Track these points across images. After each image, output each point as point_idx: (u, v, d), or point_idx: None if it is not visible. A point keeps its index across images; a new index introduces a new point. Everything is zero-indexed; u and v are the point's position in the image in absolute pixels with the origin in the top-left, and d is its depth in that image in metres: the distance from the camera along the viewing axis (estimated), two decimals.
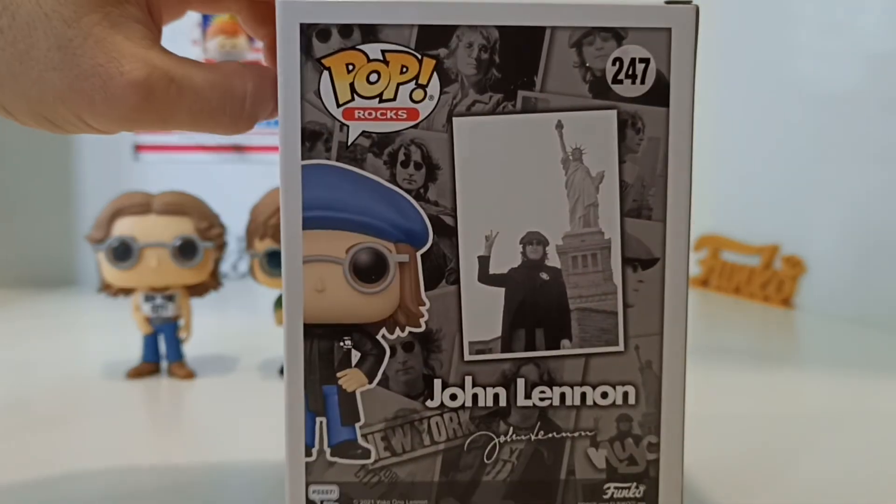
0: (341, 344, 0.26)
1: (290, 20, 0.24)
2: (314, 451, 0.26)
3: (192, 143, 0.97)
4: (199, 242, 0.51)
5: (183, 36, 0.97)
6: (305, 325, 0.25)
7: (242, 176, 0.97)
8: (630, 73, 0.25)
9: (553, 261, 0.25)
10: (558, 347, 0.26)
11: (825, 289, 0.81)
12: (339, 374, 0.26)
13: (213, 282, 0.54)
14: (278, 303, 0.53)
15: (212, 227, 0.52)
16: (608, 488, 0.27)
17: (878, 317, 0.74)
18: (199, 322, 0.56)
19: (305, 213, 0.25)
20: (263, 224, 0.51)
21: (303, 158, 0.25)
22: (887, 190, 0.75)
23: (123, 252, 0.50)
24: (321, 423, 0.26)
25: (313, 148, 0.25)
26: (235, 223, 0.57)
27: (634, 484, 0.27)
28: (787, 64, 0.85)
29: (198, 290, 0.54)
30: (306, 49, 0.24)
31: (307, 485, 0.26)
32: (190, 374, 0.52)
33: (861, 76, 0.77)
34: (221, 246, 0.53)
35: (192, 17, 0.96)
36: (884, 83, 0.75)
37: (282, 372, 0.53)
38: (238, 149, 0.96)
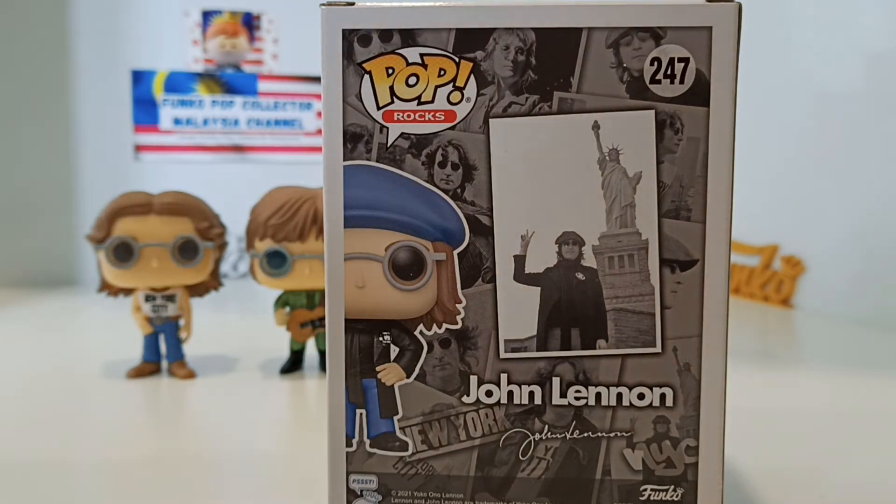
0: (380, 339, 0.26)
1: (333, 26, 0.25)
2: (354, 441, 0.27)
3: (192, 143, 0.98)
4: (200, 242, 0.51)
5: (183, 36, 0.99)
6: (346, 320, 0.26)
7: (242, 176, 0.97)
8: (669, 72, 0.25)
9: (589, 261, 0.26)
10: (594, 347, 0.26)
11: (825, 289, 0.81)
12: (378, 368, 0.26)
13: (214, 282, 0.54)
14: (278, 303, 0.54)
15: (212, 227, 0.52)
16: (645, 490, 0.26)
17: (878, 317, 0.73)
18: (199, 322, 0.57)
19: (347, 212, 0.26)
20: (263, 224, 0.51)
21: (344, 159, 0.26)
22: (887, 190, 0.73)
23: (124, 252, 0.50)
24: (361, 414, 0.27)
25: (354, 149, 0.26)
26: (235, 223, 0.58)
27: (672, 487, 0.26)
28: (786, 63, 0.84)
29: (198, 290, 0.54)
30: (348, 54, 0.25)
31: (347, 474, 0.27)
32: (190, 374, 0.53)
33: (861, 76, 0.76)
34: (222, 246, 0.53)
35: (193, 17, 0.98)
36: (884, 83, 0.73)
37: (282, 372, 0.54)
38: (238, 149, 0.97)
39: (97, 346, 0.65)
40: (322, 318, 0.53)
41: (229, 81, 0.99)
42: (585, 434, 0.26)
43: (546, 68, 0.25)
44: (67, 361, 0.59)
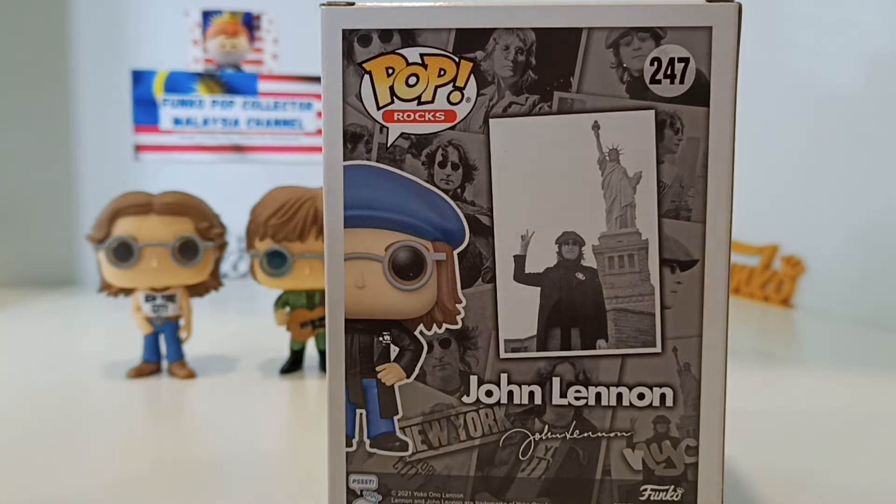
0: (380, 339, 0.26)
1: (333, 26, 0.25)
2: (354, 441, 0.27)
3: (192, 143, 0.98)
4: (200, 242, 0.51)
5: (183, 36, 0.98)
6: (346, 320, 0.26)
7: (242, 176, 0.96)
8: (669, 72, 0.25)
9: (589, 261, 0.26)
10: (594, 347, 0.26)
11: (825, 289, 0.81)
12: (378, 368, 0.26)
13: (214, 282, 0.54)
14: (278, 303, 0.54)
15: (212, 227, 0.52)
16: (645, 490, 0.26)
17: (878, 317, 0.73)
18: (199, 322, 0.56)
19: (347, 212, 0.26)
20: (263, 224, 0.51)
21: (344, 159, 0.26)
22: (887, 190, 0.73)
23: (124, 252, 0.50)
24: (361, 414, 0.27)
25: (354, 149, 0.26)
26: (235, 223, 0.58)
27: (672, 487, 0.26)
28: (786, 63, 0.84)
29: (198, 290, 0.54)
30: (348, 54, 0.25)
31: (347, 474, 0.27)
32: (190, 374, 0.53)
33: (861, 76, 0.76)
34: (222, 246, 0.53)
35: (193, 17, 0.98)
36: (884, 83, 0.73)
37: (282, 372, 0.54)
38: (238, 149, 0.97)
39: (97, 346, 0.65)
40: (322, 318, 0.53)
41: (229, 81, 0.99)
42: (585, 434, 0.26)
43: (546, 68, 0.25)
44: (67, 361, 0.59)
